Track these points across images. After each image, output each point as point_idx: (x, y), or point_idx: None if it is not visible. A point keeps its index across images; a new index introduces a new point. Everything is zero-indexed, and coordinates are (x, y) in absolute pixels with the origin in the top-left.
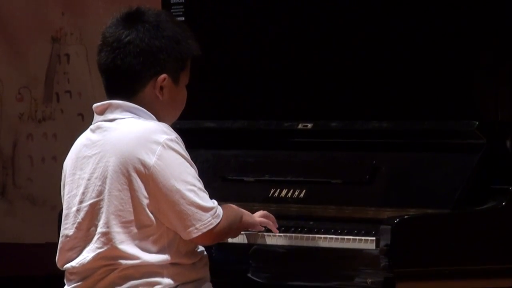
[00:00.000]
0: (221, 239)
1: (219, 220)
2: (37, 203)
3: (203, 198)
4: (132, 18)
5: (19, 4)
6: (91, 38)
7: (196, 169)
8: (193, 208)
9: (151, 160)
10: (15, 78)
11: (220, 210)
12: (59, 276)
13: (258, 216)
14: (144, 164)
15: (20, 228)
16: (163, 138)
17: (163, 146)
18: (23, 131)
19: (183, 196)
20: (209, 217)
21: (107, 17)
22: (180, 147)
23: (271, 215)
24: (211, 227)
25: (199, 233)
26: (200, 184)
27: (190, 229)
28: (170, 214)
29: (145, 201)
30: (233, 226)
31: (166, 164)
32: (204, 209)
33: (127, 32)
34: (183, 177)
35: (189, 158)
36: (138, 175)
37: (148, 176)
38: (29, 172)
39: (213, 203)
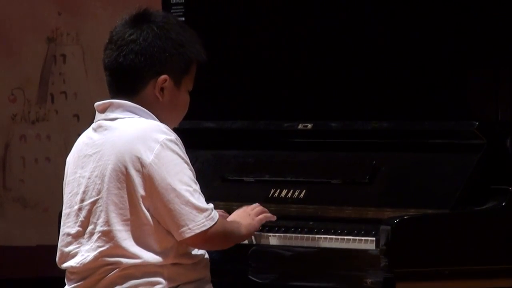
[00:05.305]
0: (215, 244)
1: (213, 223)
2: (29, 205)
3: (198, 199)
4: (139, 19)
5: (15, 4)
6: (87, 39)
7: (194, 172)
8: (187, 208)
9: (148, 158)
10: (8, 78)
11: (215, 214)
12: (51, 278)
13: (255, 215)
14: (141, 162)
15: (11, 230)
16: (162, 137)
17: (161, 145)
18: (15, 132)
19: (178, 195)
20: (202, 219)
21: (105, 18)
22: (179, 148)
23: (262, 209)
24: (204, 228)
25: (192, 234)
26: (196, 186)
27: (183, 229)
28: (164, 213)
29: (142, 200)
30: (231, 236)
31: (163, 163)
32: (198, 209)
33: (132, 31)
34: (179, 177)
35: (187, 160)
36: (136, 173)
37: (145, 174)
38: (21, 173)
39: (209, 206)
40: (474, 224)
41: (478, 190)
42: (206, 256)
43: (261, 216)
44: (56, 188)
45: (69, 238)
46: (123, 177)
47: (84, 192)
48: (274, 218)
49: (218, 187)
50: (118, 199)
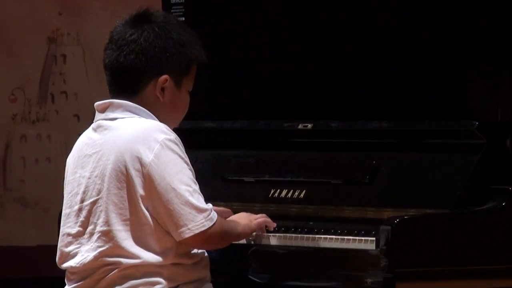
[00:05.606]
0: (213, 244)
1: (212, 223)
2: (29, 205)
3: (198, 199)
4: (140, 19)
5: (15, 4)
6: (88, 39)
7: (193, 172)
8: (186, 208)
9: (148, 157)
10: (8, 78)
11: (214, 214)
12: (51, 278)
13: (254, 220)
14: (141, 162)
15: (11, 230)
16: (162, 137)
17: (161, 144)
18: (16, 132)
19: (178, 195)
20: (202, 219)
21: (105, 18)
22: (179, 148)
23: (265, 216)
24: (203, 228)
25: (191, 234)
26: (195, 186)
27: (182, 229)
28: (163, 213)
29: (142, 199)
30: (228, 236)
31: (162, 163)
32: (198, 209)
33: (132, 31)
34: (179, 177)
35: (187, 160)
36: (136, 173)
37: (144, 173)
38: (22, 173)
39: (208, 206)
40: (474, 224)
41: (478, 190)
42: (206, 255)
43: (260, 220)
44: (56, 188)
45: (69, 238)
46: (123, 177)
47: (84, 192)
48: (274, 225)
49: (218, 187)
50: (118, 199)
